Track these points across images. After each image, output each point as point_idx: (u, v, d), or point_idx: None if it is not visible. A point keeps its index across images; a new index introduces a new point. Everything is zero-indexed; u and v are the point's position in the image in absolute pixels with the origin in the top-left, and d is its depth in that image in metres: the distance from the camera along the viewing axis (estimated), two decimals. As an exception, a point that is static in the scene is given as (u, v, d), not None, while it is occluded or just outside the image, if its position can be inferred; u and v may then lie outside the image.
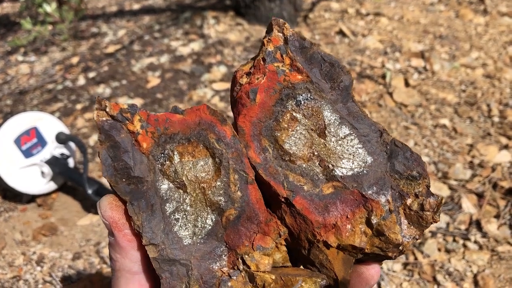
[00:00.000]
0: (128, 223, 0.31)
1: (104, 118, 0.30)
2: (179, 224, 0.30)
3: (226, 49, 1.81)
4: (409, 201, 0.30)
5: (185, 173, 0.30)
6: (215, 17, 2.06)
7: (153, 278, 0.32)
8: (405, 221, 0.29)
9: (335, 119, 0.31)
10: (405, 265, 1.04)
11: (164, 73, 1.70)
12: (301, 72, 0.31)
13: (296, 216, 0.30)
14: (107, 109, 0.30)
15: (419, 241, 1.08)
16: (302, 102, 0.31)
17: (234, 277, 0.29)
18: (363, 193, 0.29)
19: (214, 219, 0.30)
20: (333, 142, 0.31)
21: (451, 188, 1.22)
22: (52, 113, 1.55)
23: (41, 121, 1.21)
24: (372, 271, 0.32)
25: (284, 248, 0.31)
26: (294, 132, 0.31)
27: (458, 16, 2.12)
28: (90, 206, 1.20)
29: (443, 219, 1.13)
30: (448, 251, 1.06)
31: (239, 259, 0.29)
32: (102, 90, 1.67)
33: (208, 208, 0.30)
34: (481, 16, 2.11)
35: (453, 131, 1.44)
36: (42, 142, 1.20)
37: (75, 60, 1.99)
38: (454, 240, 1.09)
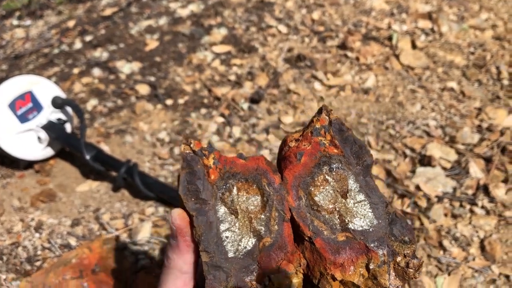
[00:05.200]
0: (190, 232, 0.40)
1: (187, 151, 0.41)
2: (227, 241, 0.39)
3: (227, 10, 1.75)
4: (398, 259, 0.39)
5: (239, 203, 0.40)
6: (215, -22, 1.98)
7: (195, 280, 0.42)
8: (393, 273, 0.38)
9: (355, 187, 0.41)
10: (410, 230, 1.02)
11: (163, 36, 1.65)
12: (337, 147, 0.42)
13: (314, 253, 0.39)
14: (191, 145, 0.41)
15: (425, 206, 1.06)
16: (334, 169, 0.42)
17: None
18: (367, 245, 0.39)
19: (253, 243, 0.39)
20: (351, 203, 0.41)
21: (458, 152, 1.19)
22: (49, 77, 1.50)
23: (36, 85, 1.17)
24: None
25: (301, 276, 0.39)
26: (324, 190, 0.41)
27: (467, -25, 2.04)
28: (88, 172, 1.18)
29: (450, 184, 1.11)
30: (454, 216, 1.04)
31: (266, 277, 0.38)
32: (99, 53, 1.62)
33: (251, 233, 0.40)
34: (491, -25, 2.03)
35: (461, 94, 1.39)
36: (37, 107, 1.17)
37: (71, 23, 1.93)
38: (461, 206, 1.06)
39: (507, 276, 0.92)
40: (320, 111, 0.44)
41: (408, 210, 1.05)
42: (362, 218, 0.40)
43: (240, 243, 0.39)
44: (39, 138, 1.15)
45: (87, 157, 1.09)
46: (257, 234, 0.40)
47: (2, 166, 1.20)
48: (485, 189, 1.09)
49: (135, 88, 1.44)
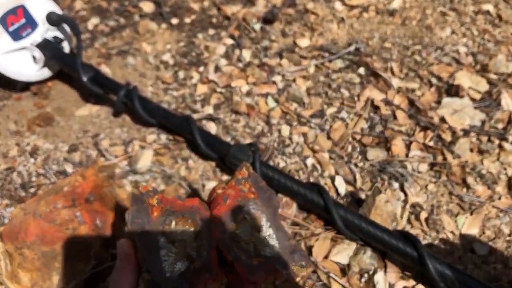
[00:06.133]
0: (134, 256, 0.48)
1: (137, 192, 0.51)
2: (165, 263, 0.47)
3: None
4: (297, 279, 0.48)
5: (176, 234, 0.49)
6: None
7: None
8: None
9: (267, 224, 0.52)
10: (432, 165, 0.94)
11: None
12: (254, 194, 0.54)
13: (234, 274, 0.48)
14: (140, 188, 0.52)
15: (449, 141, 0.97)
16: (251, 210, 0.52)
17: None
18: (275, 265, 0.48)
19: (186, 266, 0.48)
20: (263, 236, 0.51)
21: (490, 82, 1.08)
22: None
23: (29, -1, 1.07)
24: None
25: None
26: (243, 225, 0.51)
27: None
28: (88, 96, 1.10)
29: (478, 116, 1.01)
30: (481, 151, 0.95)
31: None
32: (102, -32, 1.49)
33: (185, 258, 0.48)
34: None
35: (497, 18, 1.25)
36: (31, 24, 1.07)
37: None
38: (489, 140, 0.97)
39: (535, 218, 0.85)
40: (241, 168, 0.57)
41: (431, 144, 0.96)
42: (271, 247, 0.50)
43: (175, 266, 0.48)
44: (34, 57, 1.07)
45: (84, 78, 1.01)
46: (189, 259, 0.49)
47: (-2, 88, 1.13)
48: (518, 123, 0.99)
49: (139, 6, 1.32)
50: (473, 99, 1.05)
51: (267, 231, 0.51)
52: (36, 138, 1.00)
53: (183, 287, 0.46)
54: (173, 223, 0.50)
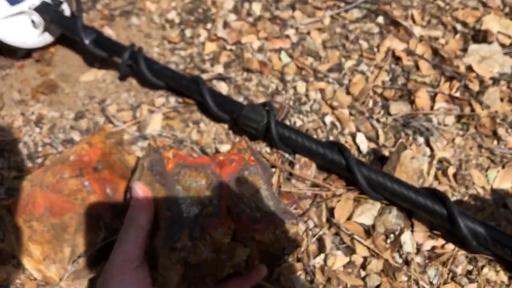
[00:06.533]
0: (152, 195, 0.55)
1: (154, 146, 0.59)
2: (182, 205, 0.54)
3: None
4: (289, 234, 0.57)
5: (191, 183, 0.57)
6: None
7: (151, 235, 0.55)
8: (286, 243, 0.57)
9: (264, 187, 0.60)
10: (459, 117, 0.87)
11: None
12: (253, 161, 0.62)
13: (240, 223, 0.55)
14: (157, 142, 0.60)
15: (477, 90, 0.90)
16: (251, 173, 0.60)
17: (204, 241, 0.52)
18: (275, 218, 0.56)
19: (200, 209, 0.55)
20: (261, 195, 0.59)
21: (520, 25, 0.99)
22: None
23: (24, -41, 1.00)
24: (264, 267, 0.61)
25: (231, 235, 0.54)
26: (245, 186, 0.59)
27: None
28: (93, 60, 1.05)
29: (509, 63, 0.93)
30: (512, 101, 0.89)
31: (207, 234, 0.52)
32: None
33: (198, 204, 0.55)
34: None
35: (526, -44, 1.15)
36: (28, -14, 1.01)
37: None
38: (521, 88, 0.90)
39: None
40: (240, 140, 0.64)
41: (457, 94, 0.90)
42: (268, 205, 0.57)
43: (191, 208, 0.54)
44: (33, 22, 1.02)
45: (87, 41, 0.95)
46: (202, 204, 0.55)
47: (0, 56, 1.08)
48: (552, 68, 0.92)
49: (140, -38, 1.25)
50: (502, 45, 0.97)
51: (264, 193, 0.59)
52: (41, 106, 0.96)
53: (196, 228, 0.52)
54: (187, 174, 0.57)
